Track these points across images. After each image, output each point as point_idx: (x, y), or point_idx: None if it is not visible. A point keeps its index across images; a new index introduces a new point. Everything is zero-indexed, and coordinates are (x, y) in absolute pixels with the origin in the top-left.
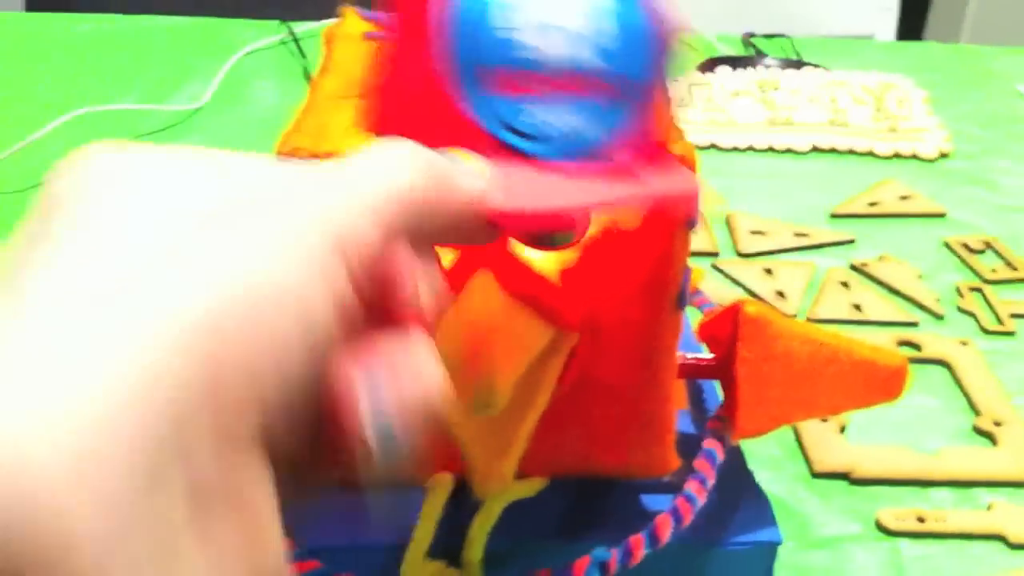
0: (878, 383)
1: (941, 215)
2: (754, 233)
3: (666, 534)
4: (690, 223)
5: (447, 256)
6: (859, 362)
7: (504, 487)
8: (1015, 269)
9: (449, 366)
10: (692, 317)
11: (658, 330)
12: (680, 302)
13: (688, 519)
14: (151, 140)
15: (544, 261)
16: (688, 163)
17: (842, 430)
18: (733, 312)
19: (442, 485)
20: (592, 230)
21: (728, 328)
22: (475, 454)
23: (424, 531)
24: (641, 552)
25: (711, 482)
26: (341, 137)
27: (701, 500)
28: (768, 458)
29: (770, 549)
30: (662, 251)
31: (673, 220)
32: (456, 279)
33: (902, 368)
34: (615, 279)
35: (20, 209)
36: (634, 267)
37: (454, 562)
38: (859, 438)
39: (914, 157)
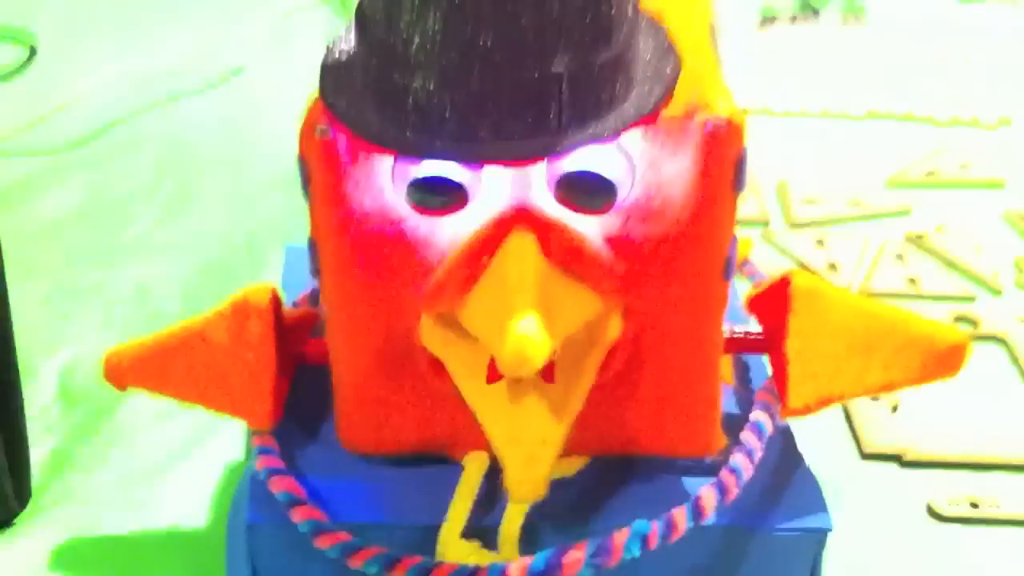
0: (936, 359)
1: (1000, 185)
2: (806, 202)
3: (710, 508)
4: (737, 185)
5: (474, 219)
6: (916, 336)
7: (538, 495)
8: None
9: (482, 330)
10: (741, 289)
11: (704, 301)
12: (727, 271)
13: (733, 493)
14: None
15: (586, 226)
16: (735, 126)
17: (894, 409)
18: (784, 283)
19: (478, 463)
20: (634, 194)
21: (778, 300)
22: (508, 455)
23: (460, 510)
24: (684, 526)
25: (759, 455)
26: None
27: (747, 474)
28: (814, 437)
29: (819, 536)
30: (708, 217)
31: (720, 183)
32: (488, 243)
33: (961, 344)
34: (659, 246)
35: None
36: (679, 233)
37: (490, 541)
38: (911, 417)
39: (974, 123)
